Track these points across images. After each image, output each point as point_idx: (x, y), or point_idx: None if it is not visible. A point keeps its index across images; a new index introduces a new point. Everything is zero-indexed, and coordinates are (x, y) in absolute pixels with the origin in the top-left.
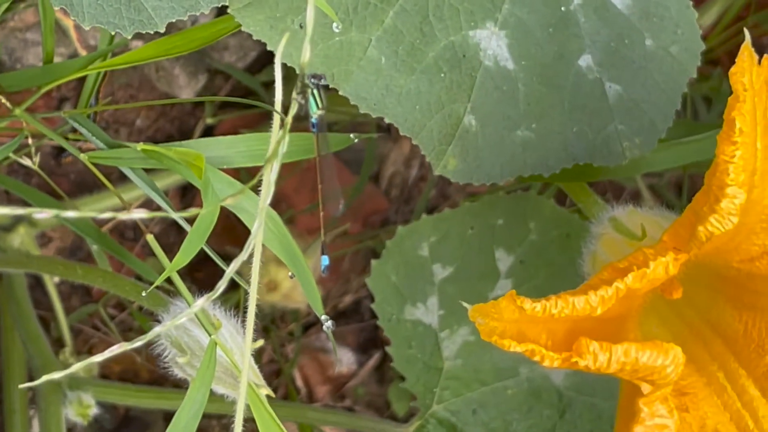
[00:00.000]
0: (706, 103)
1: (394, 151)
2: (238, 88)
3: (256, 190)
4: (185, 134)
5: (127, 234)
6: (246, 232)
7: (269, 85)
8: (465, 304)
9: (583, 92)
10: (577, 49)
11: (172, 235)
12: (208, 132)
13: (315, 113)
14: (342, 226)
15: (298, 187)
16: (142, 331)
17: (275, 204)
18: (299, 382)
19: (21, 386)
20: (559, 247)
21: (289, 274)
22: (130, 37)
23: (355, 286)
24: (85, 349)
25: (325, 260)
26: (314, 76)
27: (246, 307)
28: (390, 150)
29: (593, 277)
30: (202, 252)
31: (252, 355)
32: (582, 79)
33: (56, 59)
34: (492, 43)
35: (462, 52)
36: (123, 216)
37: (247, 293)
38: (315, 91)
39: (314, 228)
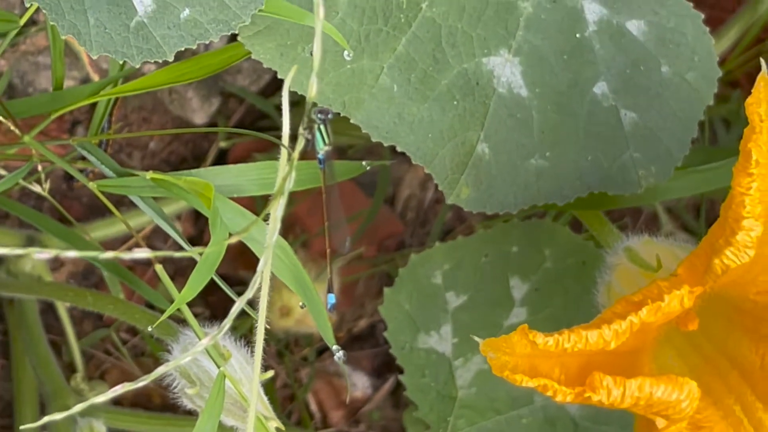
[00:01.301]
0: (725, 125)
1: (410, 173)
2: (251, 111)
3: (266, 217)
4: (199, 157)
5: (141, 260)
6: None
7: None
8: (476, 339)
9: (598, 120)
10: (592, 76)
11: (186, 259)
12: (222, 155)
13: (321, 149)
14: (357, 249)
15: (311, 210)
16: (155, 356)
17: (288, 227)
18: (313, 407)
19: (33, 425)
20: (575, 275)
21: (300, 304)
22: (138, 66)
23: (370, 310)
24: (97, 374)
25: (332, 299)
26: (321, 111)
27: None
28: (405, 172)
29: (607, 311)
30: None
31: (263, 383)
32: (597, 107)
33: (68, 83)
34: (506, 70)
35: (475, 80)
36: (125, 256)
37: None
38: (321, 127)
39: (333, 243)
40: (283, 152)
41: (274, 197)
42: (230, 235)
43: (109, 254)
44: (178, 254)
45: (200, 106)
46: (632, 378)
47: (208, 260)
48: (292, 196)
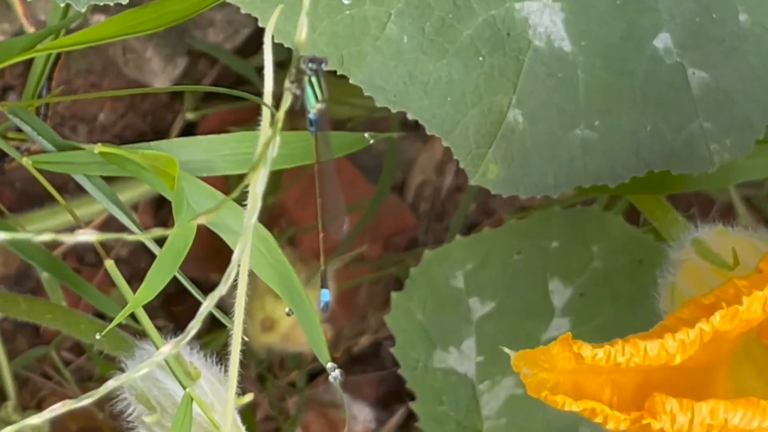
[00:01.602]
0: None
1: (424, 153)
2: (226, 75)
3: (243, 203)
4: (160, 132)
5: (88, 258)
6: None
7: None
8: (507, 350)
9: (660, 80)
10: (651, 25)
11: (144, 260)
12: (189, 130)
13: (313, 107)
14: (357, 248)
15: (301, 199)
16: (105, 379)
17: (273, 220)
18: None
19: None
20: (629, 276)
21: (286, 310)
22: (83, 10)
23: (374, 324)
24: (33, 402)
25: (326, 295)
26: (312, 60)
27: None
28: (418, 152)
29: (671, 316)
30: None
31: (240, 409)
32: (658, 64)
33: None
34: (544, 18)
35: (506, 30)
36: (66, 239)
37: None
38: (313, 79)
39: (326, 246)
40: (266, 112)
41: (253, 167)
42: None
43: (45, 236)
44: (131, 237)
45: (162, 68)
46: (702, 401)
47: (170, 250)
48: (279, 181)
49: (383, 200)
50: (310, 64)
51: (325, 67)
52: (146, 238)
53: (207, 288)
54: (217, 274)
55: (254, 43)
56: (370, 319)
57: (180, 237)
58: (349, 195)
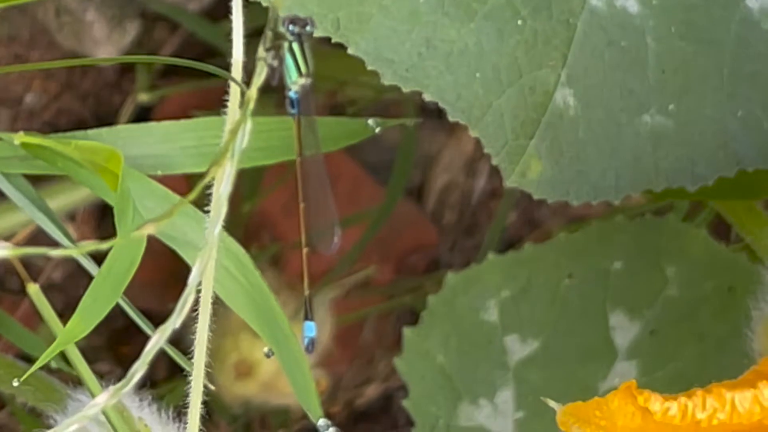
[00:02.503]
0: None
1: (449, 148)
2: (190, 44)
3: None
4: (105, 119)
5: (10, 283)
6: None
7: None
8: (552, 403)
9: (754, 52)
10: None
11: (84, 285)
12: (142, 116)
13: (294, 83)
14: (362, 270)
15: (288, 205)
16: None
17: (252, 233)
18: None
19: None
20: (715, 308)
21: (265, 349)
22: None
23: (383, 369)
24: None
25: (311, 329)
26: (294, 21)
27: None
28: (442, 147)
29: (767, 359)
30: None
31: None
32: (752, 30)
33: None
34: None
35: None
36: None
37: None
38: (295, 46)
39: (315, 272)
40: (234, 89)
41: (216, 161)
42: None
43: None
44: (57, 252)
45: (107, 34)
46: None
47: (112, 269)
48: (260, 182)
49: (396, 208)
50: (290, 27)
51: (311, 30)
52: (78, 252)
53: (164, 319)
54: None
55: (225, 2)
56: (379, 362)
57: (124, 253)
58: (351, 201)
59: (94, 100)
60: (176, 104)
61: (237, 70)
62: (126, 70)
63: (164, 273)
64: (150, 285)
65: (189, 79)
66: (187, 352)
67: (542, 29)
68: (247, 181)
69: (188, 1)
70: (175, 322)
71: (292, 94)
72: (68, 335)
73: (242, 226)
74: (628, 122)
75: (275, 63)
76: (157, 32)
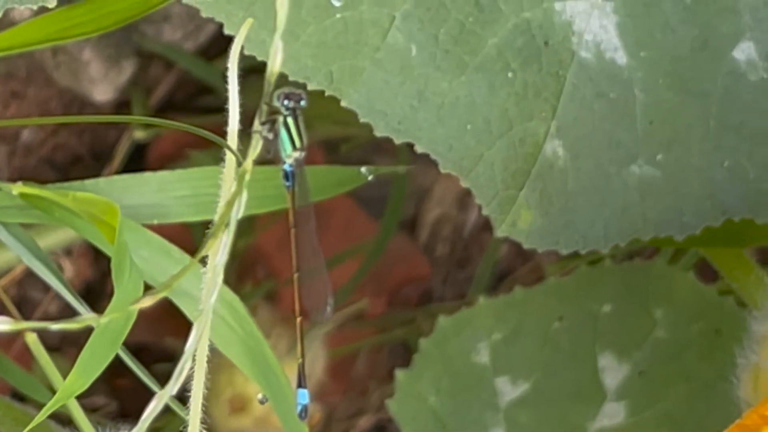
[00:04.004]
0: None
1: (441, 181)
2: (186, 82)
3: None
4: (101, 155)
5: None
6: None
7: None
8: None
9: (741, 103)
10: (731, 32)
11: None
12: (138, 153)
13: (289, 156)
14: (355, 303)
15: (282, 242)
16: None
17: (247, 269)
18: None
19: None
20: (702, 350)
21: (259, 396)
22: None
23: (377, 401)
24: None
25: (304, 397)
26: (288, 96)
27: None
28: (434, 180)
29: (752, 412)
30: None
31: None
32: (739, 82)
33: None
34: (592, 22)
35: (543, 38)
36: None
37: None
38: (290, 120)
39: (306, 307)
40: (230, 158)
41: (213, 232)
42: (146, 288)
43: None
44: (53, 325)
45: (103, 73)
46: None
47: (108, 329)
48: (254, 221)
49: (389, 241)
50: (285, 101)
51: (305, 104)
52: (77, 326)
53: (161, 355)
54: (174, 338)
55: (221, 41)
56: (372, 395)
57: (118, 316)
58: (345, 235)
59: (90, 136)
60: (171, 141)
61: (233, 139)
62: (121, 105)
63: (160, 308)
64: (146, 319)
65: (184, 116)
66: (185, 390)
67: (532, 81)
68: (244, 219)
69: (184, 40)
70: (172, 388)
71: (286, 167)
72: (67, 391)
73: (237, 262)
74: (616, 173)
75: (270, 136)
76: (153, 70)
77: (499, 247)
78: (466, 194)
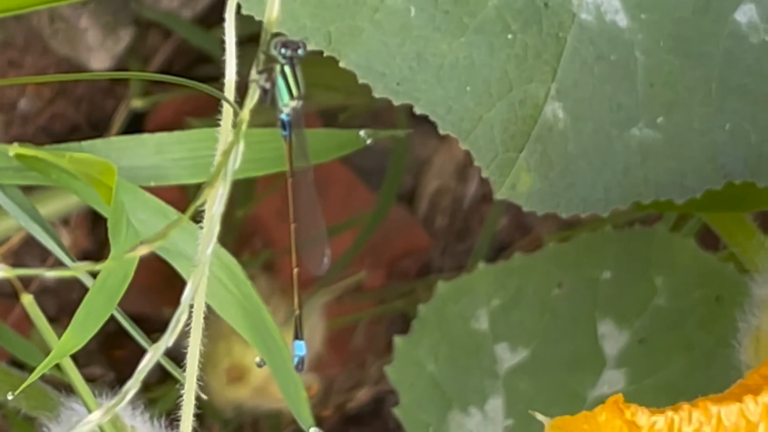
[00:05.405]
0: None
1: (440, 152)
2: (183, 50)
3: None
4: (99, 124)
5: (2, 287)
6: None
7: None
8: (540, 416)
9: (743, 65)
10: None
11: (77, 289)
12: (136, 121)
13: (286, 105)
14: (353, 275)
15: (281, 212)
16: None
17: (244, 239)
18: None
19: None
20: (703, 317)
21: (256, 359)
22: None
23: (375, 373)
24: None
25: (301, 348)
26: (286, 44)
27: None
28: (434, 151)
29: (753, 372)
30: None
31: None
32: (740, 44)
33: None
34: None
35: None
36: None
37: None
38: (287, 69)
39: (307, 278)
40: (227, 110)
41: (209, 182)
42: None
43: None
44: (50, 272)
45: (101, 41)
46: None
47: (105, 285)
48: (253, 188)
49: (388, 213)
50: (282, 50)
51: (302, 53)
52: (72, 273)
53: (159, 326)
54: (172, 309)
55: (219, 9)
56: (370, 367)
57: (117, 267)
58: (343, 207)
59: (88, 106)
60: (170, 110)
61: (230, 90)
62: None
63: (157, 277)
64: (143, 289)
65: (181, 86)
66: (180, 358)
67: (532, 43)
68: (241, 187)
69: (181, 7)
70: (168, 340)
71: (283, 116)
72: (62, 349)
73: (235, 232)
74: (617, 135)
75: (267, 85)
76: (151, 38)
77: (499, 219)
78: (466, 166)
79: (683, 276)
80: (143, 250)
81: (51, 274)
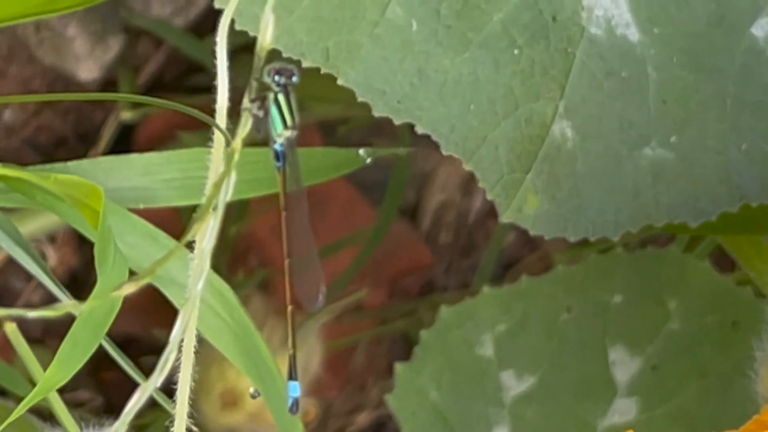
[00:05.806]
0: None
1: (445, 165)
2: (175, 60)
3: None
4: (87, 136)
5: None
6: None
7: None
8: None
9: (759, 81)
10: (749, 7)
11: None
12: (126, 134)
13: (279, 135)
14: (354, 294)
15: (277, 228)
16: None
17: (239, 257)
18: None
19: None
20: (719, 343)
21: (251, 390)
22: None
23: (376, 396)
24: None
25: (295, 390)
26: (279, 71)
27: None
28: (437, 165)
29: None
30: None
31: None
32: (757, 60)
33: None
34: None
35: (551, 13)
36: None
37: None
38: (281, 97)
39: (298, 296)
40: (218, 138)
41: (200, 215)
42: (130, 274)
43: None
44: (31, 313)
45: (89, 50)
46: None
47: (91, 317)
48: (247, 204)
49: (389, 229)
50: (276, 77)
51: (296, 81)
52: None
53: (148, 347)
54: (162, 330)
55: (212, 18)
56: (371, 390)
57: (101, 304)
58: (344, 223)
59: (75, 117)
60: (160, 122)
61: (222, 117)
62: (108, 84)
63: (147, 298)
64: (133, 310)
65: (173, 95)
66: (172, 382)
67: (539, 59)
68: (235, 204)
69: (173, 16)
70: (156, 380)
71: (277, 146)
72: (47, 383)
73: (229, 249)
74: (627, 155)
75: (260, 114)
76: (141, 47)
77: (505, 234)
78: (471, 179)
79: (697, 300)
80: (130, 289)
81: (34, 315)
